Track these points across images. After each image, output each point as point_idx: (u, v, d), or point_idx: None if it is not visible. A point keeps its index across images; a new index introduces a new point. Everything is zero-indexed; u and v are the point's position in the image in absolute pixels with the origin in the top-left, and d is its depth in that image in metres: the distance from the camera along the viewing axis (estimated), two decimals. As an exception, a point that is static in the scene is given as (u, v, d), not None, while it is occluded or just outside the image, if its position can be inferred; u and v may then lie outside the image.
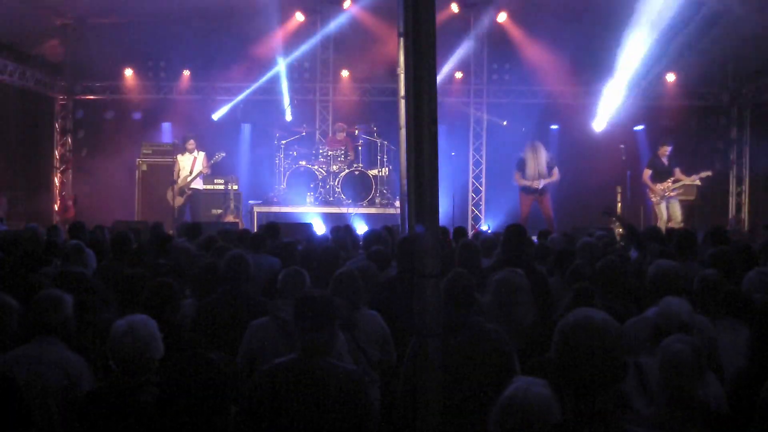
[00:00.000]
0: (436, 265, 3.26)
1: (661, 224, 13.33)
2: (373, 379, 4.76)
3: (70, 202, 15.61)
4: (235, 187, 14.61)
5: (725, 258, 5.76)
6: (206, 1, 14.65)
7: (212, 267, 5.54)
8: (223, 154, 13.91)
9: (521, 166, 13.38)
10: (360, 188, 14.01)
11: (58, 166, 16.48)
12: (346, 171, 14.08)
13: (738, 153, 16.42)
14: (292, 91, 15.79)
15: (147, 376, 3.56)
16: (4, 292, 4.33)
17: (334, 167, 14.17)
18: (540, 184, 13.22)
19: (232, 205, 14.35)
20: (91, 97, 16.47)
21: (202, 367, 3.01)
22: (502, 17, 15.50)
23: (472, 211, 16.24)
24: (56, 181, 16.42)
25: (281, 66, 15.44)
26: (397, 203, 12.45)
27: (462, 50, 15.47)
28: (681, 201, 13.81)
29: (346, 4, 15.28)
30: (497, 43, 15.81)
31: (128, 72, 15.97)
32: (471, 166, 16.22)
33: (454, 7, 15.14)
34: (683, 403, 3.41)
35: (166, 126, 16.06)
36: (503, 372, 4.15)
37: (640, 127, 15.67)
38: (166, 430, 3.16)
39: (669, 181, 13.55)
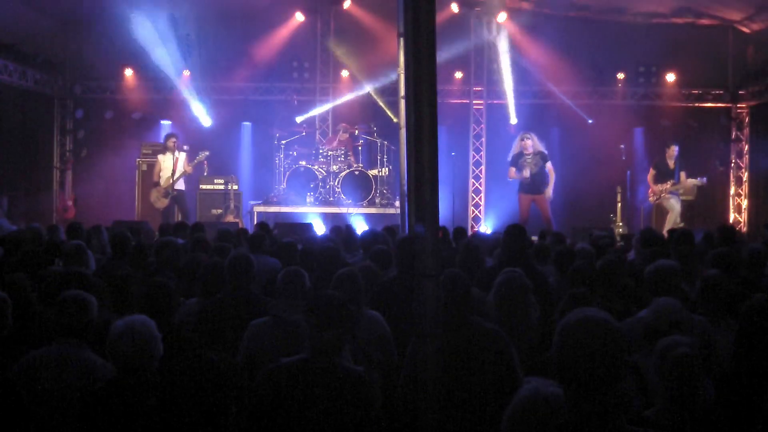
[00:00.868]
0: (436, 265, 3.26)
1: (672, 218, 13.32)
2: (374, 380, 4.76)
3: (70, 202, 15.60)
4: (235, 187, 14.61)
5: (728, 259, 5.75)
6: (206, 1, 14.67)
7: (216, 267, 5.53)
8: (207, 153, 13.72)
9: (515, 160, 13.27)
10: (360, 188, 14.01)
11: (58, 166, 16.48)
12: (346, 171, 14.08)
13: (738, 153, 16.42)
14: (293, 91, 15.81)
15: (146, 377, 3.56)
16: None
17: (334, 167, 14.17)
18: (528, 173, 12.92)
19: (232, 205, 14.36)
20: (91, 97, 16.45)
21: (202, 367, 3.00)
22: (502, 17, 15.51)
23: (472, 211, 16.24)
24: (56, 181, 16.42)
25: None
26: (397, 203, 12.46)
27: (462, 50, 15.48)
28: (681, 201, 13.82)
29: (346, 4, 15.28)
30: (497, 43, 15.80)
31: (128, 72, 15.96)
32: (471, 166, 16.21)
33: (454, 7, 15.14)
34: (685, 404, 3.41)
35: (165, 126, 16.04)
36: (503, 372, 4.15)
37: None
38: (166, 431, 3.16)
39: (668, 183, 13.55)
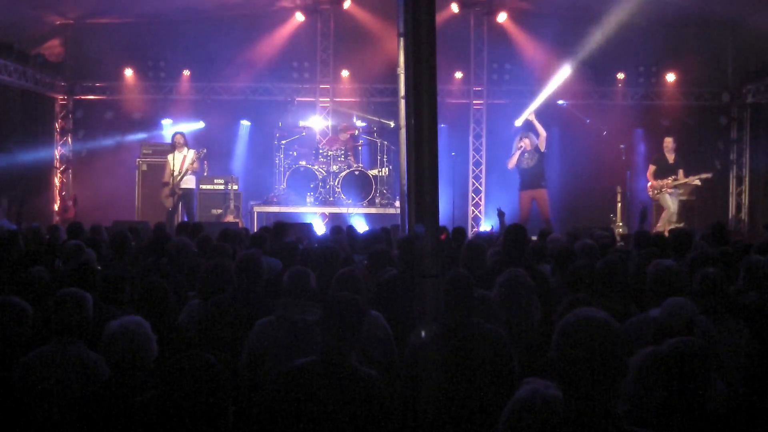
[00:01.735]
0: (436, 265, 3.26)
1: (667, 216, 13.33)
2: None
3: (70, 202, 15.59)
4: (235, 187, 14.61)
5: (724, 258, 5.76)
6: (206, 1, 14.67)
7: (219, 267, 5.53)
8: (204, 150, 13.65)
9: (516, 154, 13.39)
10: (360, 188, 14.01)
11: (58, 166, 16.48)
12: (346, 171, 14.07)
13: (738, 153, 16.42)
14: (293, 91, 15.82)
15: (142, 377, 3.55)
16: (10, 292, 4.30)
17: (334, 167, 14.17)
18: (524, 146, 13.03)
19: (232, 205, 14.36)
20: (91, 97, 16.45)
21: (199, 367, 3.00)
22: (502, 17, 15.49)
23: (472, 211, 16.24)
24: (56, 181, 16.42)
25: None
26: (397, 203, 12.45)
27: (462, 50, 15.46)
28: (681, 200, 13.81)
29: (346, 4, 15.27)
30: (497, 43, 15.81)
31: (128, 72, 15.96)
32: (471, 166, 16.21)
33: (454, 7, 15.14)
34: (691, 405, 3.40)
35: (166, 126, 16.04)
36: (503, 372, 4.15)
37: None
38: (163, 431, 3.15)
39: (669, 179, 13.56)
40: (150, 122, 16.20)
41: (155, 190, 14.24)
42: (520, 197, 13.29)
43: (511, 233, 6.33)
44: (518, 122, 14.37)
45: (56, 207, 16.12)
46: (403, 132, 8.99)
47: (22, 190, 14.09)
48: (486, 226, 15.54)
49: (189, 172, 13.50)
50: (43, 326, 4.27)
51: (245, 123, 16.02)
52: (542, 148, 13.19)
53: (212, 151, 14.15)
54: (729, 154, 16.39)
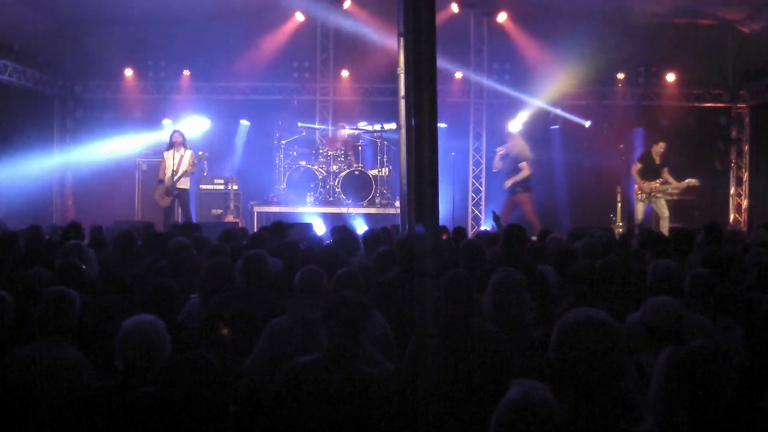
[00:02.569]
0: (436, 265, 3.26)
1: (664, 223, 13.35)
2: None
3: (70, 202, 15.59)
4: (235, 187, 14.61)
5: (718, 258, 5.75)
6: (206, 1, 14.66)
7: (220, 266, 5.53)
8: (206, 154, 13.62)
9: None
10: (360, 188, 14.01)
11: (58, 166, 16.46)
12: (346, 171, 14.08)
13: (738, 153, 16.42)
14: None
15: (147, 377, 3.55)
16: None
17: (334, 167, 14.17)
18: (497, 166, 13.36)
19: (232, 205, 14.36)
20: (91, 97, 16.45)
21: (200, 367, 3.00)
22: (502, 17, 15.49)
23: (472, 211, 16.24)
24: (57, 181, 16.40)
25: None
26: (397, 203, 12.45)
27: (462, 50, 15.45)
28: (680, 200, 13.83)
29: (346, 4, 15.27)
30: (497, 43, 15.81)
31: (128, 72, 15.96)
32: (471, 166, 16.21)
33: (454, 7, 15.14)
34: (706, 408, 3.39)
35: (166, 126, 16.03)
36: (502, 372, 4.15)
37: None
38: (164, 431, 3.15)
39: (657, 181, 13.57)
40: (150, 122, 16.19)
41: (155, 190, 14.23)
42: (505, 200, 13.44)
43: (510, 233, 6.33)
44: (510, 127, 14.31)
45: (56, 207, 16.11)
46: (403, 132, 8.99)
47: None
48: (486, 226, 15.54)
49: (186, 173, 13.42)
50: (33, 325, 4.26)
51: (245, 123, 16.00)
52: (523, 168, 13.23)
53: (212, 151, 14.15)
54: (729, 154, 16.39)
